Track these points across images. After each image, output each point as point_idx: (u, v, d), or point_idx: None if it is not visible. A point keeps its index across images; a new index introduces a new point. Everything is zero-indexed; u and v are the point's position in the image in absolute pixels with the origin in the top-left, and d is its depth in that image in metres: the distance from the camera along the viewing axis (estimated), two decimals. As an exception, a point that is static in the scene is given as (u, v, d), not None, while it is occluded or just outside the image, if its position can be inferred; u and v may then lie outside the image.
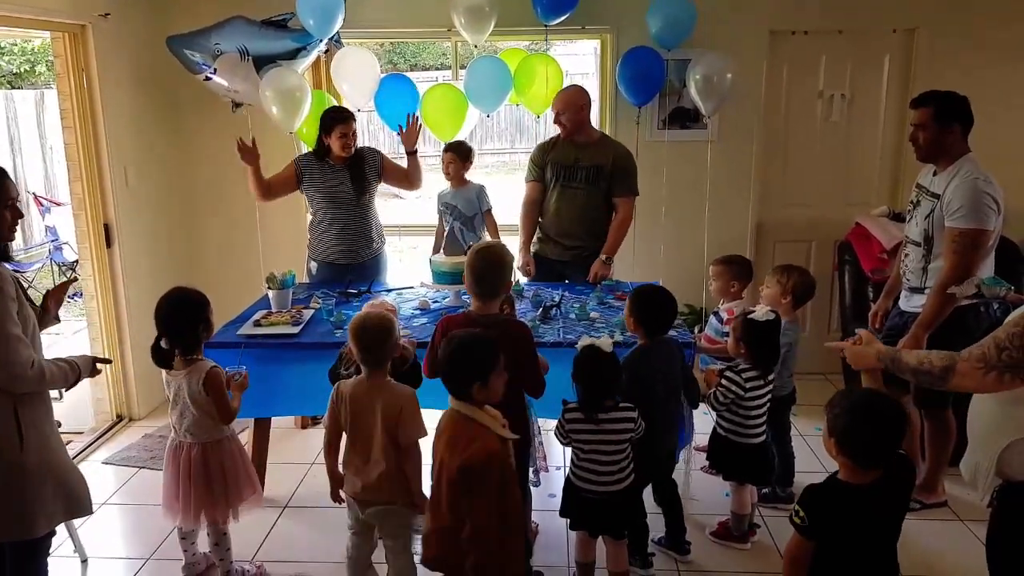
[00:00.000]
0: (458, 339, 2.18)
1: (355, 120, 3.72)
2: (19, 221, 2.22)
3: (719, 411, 2.89)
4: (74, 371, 2.24)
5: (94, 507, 2.44)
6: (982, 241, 2.79)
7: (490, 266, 2.46)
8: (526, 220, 3.88)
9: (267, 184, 3.74)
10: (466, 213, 3.85)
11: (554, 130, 3.82)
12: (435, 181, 4.36)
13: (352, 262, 3.82)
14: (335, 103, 4.18)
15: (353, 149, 3.70)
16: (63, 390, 2.29)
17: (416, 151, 3.85)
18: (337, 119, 3.65)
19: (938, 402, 3.05)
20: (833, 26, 4.30)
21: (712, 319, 3.49)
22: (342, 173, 3.72)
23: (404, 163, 3.89)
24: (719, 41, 4.13)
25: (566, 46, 7.60)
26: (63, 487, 2.27)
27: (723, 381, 2.82)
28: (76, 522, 2.95)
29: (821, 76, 4.42)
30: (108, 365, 2.67)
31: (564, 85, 3.92)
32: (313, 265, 3.91)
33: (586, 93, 3.75)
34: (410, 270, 4.70)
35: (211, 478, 2.64)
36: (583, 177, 3.71)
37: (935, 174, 2.97)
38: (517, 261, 3.78)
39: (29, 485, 2.17)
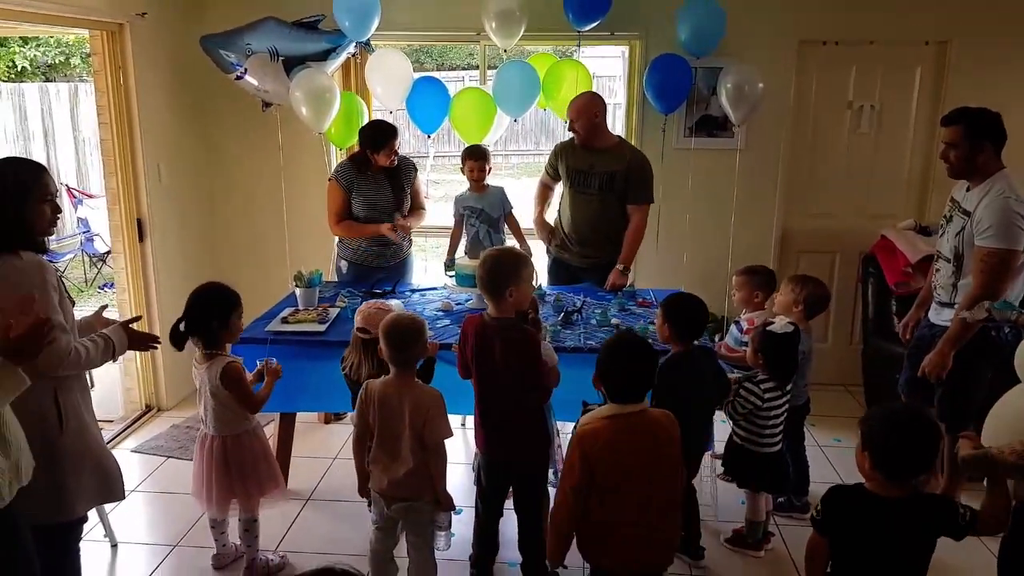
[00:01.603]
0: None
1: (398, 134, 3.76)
2: (58, 217, 2.29)
3: (736, 421, 2.91)
4: (108, 344, 2.27)
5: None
6: (1011, 262, 2.77)
7: (493, 270, 2.50)
8: (538, 198, 4.05)
9: (342, 220, 3.82)
10: (492, 215, 3.89)
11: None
12: (453, 184, 4.39)
13: (383, 264, 3.90)
14: (365, 107, 4.24)
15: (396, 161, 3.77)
16: (112, 361, 2.32)
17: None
18: (388, 136, 3.68)
19: (961, 417, 3.04)
20: (864, 36, 4.27)
21: (732, 328, 3.50)
22: (383, 181, 3.80)
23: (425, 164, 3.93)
24: (748, 50, 4.13)
25: (593, 48, 7.59)
26: (100, 471, 2.33)
27: (742, 392, 2.84)
28: (107, 508, 3.04)
29: (851, 87, 4.39)
30: (149, 350, 2.50)
31: (591, 90, 3.93)
32: (344, 264, 3.98)
33: (600, 100, 3.73)
34: (435, 271, 4.73)
35: (231, 471, 2.70)
36: (596, 184, 3.72)
37: (968, 189, 2.95)
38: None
39: (68, 468, 2.23)
